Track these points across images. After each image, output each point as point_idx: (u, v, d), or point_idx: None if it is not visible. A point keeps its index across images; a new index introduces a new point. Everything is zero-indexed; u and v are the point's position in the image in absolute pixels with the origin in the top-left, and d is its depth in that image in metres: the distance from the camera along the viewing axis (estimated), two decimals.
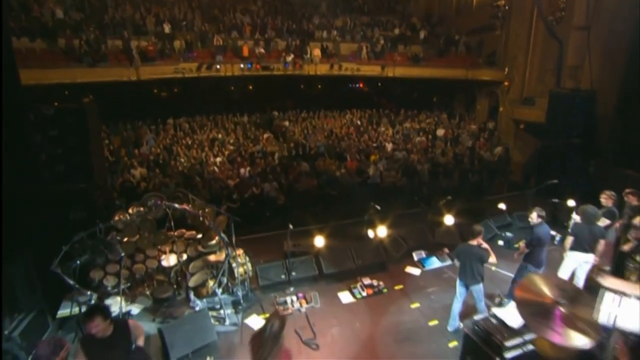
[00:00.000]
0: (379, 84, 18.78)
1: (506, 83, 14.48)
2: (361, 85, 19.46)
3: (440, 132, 14.26)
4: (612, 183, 8.40)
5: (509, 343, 3.21)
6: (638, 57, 8.70)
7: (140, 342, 3.52)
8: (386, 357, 4.80)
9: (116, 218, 5.48)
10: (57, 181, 6.21)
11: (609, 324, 2.06)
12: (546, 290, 2.30)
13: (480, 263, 4.74)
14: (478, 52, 15.78)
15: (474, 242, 4.79)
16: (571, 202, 7.04)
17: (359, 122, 15.62)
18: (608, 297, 1.94)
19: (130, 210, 5.62)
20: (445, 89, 17.59)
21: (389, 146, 12.43)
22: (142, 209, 5.61)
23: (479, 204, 8.86)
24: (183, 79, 13.40)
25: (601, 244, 5.09)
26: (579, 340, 2.04)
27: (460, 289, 4.97)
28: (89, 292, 5.42)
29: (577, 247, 5.21)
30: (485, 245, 4.83)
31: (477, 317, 3.55)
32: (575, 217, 5.59)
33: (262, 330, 2.97)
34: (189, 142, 12.71)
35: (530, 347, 3.21)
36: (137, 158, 11.00)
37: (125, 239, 5.59)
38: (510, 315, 3.12)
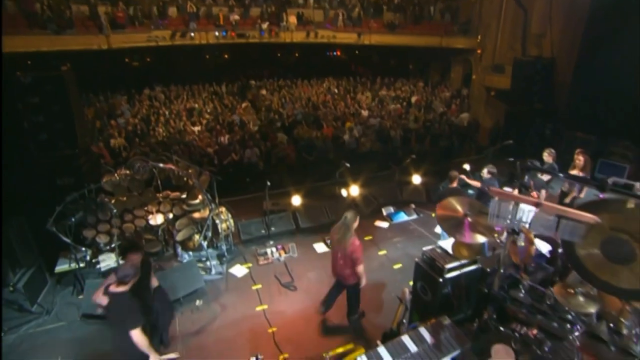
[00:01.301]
0: (356, 52, 19.14)
1: (479, 51, 15.11)
2: (338, 53, 19.75)
3: (414, 99, 14.94)
4: (564, 144, 9.44)
5: (448, 265, 4.03)
6: (594, 26, 9.45)
7: (155, 282, 4.39)
8: None
9: (104, 180, 5.98)
10: (42, 149, 6.49)
11: (499, 225, 2.86)
12: (458, 207, 3.11)
13: None
14: (453, 19, 16.25)
15: (453, 185, 5.71)
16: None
17: (336, 90, 16.08)
18: (494, 204, 2.70)
19: (117, 173, 6.13)
20: (421, 57, 18.14)
21: (365, 113, 13.06)
22: (128, 171, 6.13)
23: (446, 166, 9.72)
24: (157, 47, 13.33)
25: (542, 193, 6.00)
26: (480, 239, 2.91)
27: None
28: (83, 249, 6.00)
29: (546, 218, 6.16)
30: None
31: (425, 248, 4.35)
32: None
33: (341, 221, 4.42)
34: (166, 113, 12.93)
35: (465, 269, 4.07)
36: (114, 129, 11.22)
37: (114, 200, 6.12)
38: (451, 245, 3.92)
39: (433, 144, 11.34)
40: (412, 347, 3.04)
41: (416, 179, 7.89)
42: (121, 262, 6.27)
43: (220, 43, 14.26)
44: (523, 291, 3.03)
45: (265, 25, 14.04)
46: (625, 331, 2.87)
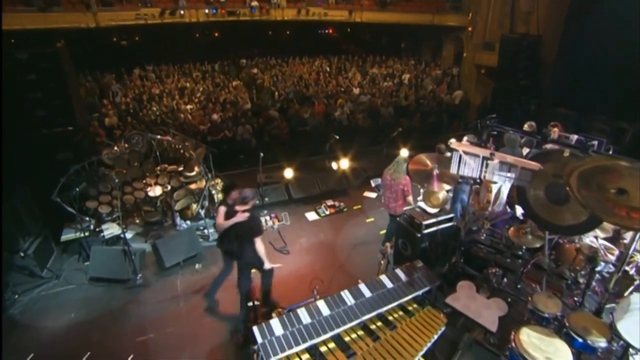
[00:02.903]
0: (348, 30, 19.32)
1: (470, 28, 15.42)
2: (330, 31, 19.92)
3: (406, 77, 15.34)
4: (547, 119, 9.97)
5: (425, 222, 4.58)
6: (579, 4, 9.88)
7: None
8: (343, 256, 6.23)
9: (105, 152, 6.40)
10: (41, 125, 6.79)
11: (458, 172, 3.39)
12: (428, 161, 3.64)
13: None
14: None
15: None
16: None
17: (327, 69, 16.38)
18: (456, 156, 3.21)
19: (116, 147, 6.55)
20: (413, 35, 18.41)
21: (356, 91, 13.46)
22: (126, 145, 6.55)
23: (434, 140, 10.24)
24: (146, 26, 13.44)
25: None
26: (446, 186, 3.46)
27: None
28: (87, 218, 6.46)
29: (502, 167, 6.69)
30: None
31: (406, 208, 4.90)
32: None
33: (392, 164, 5.14)
34: (158, 92, 13.20)
35: (441, 226, 4.63)
36: (107, 108, 11.50)
37: (115, 171, 6.55)
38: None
39: (422, 121, 11.83)
40: (389, 284, 3.60)
41: (404, 152, 8.40)
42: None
43: (210, 21, 14.37)
44: (484, 235, 3.59)
45: (255, 2, 14.19)
46: (581, 279, 3.44)
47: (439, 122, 12.15)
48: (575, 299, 3.29)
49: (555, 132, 6.88)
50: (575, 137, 3.71)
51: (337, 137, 7.79)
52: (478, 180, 3.27)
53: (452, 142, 3.34)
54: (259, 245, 4.41)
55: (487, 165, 3.20)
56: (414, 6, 16.44)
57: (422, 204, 4.92)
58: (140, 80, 14.36)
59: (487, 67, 14.48)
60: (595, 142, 3.37)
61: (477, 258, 3.62)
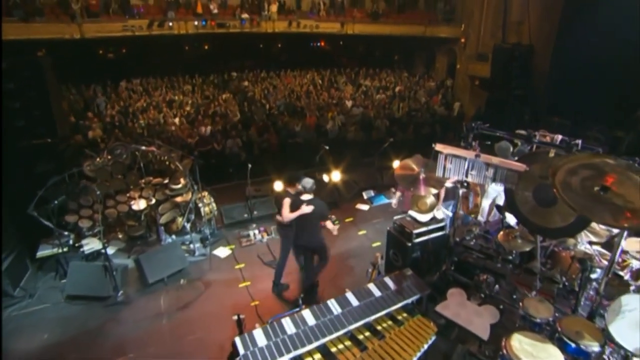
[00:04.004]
0: (341, 43, 19.76)
1: (462, 40, 15.87)
2: (322, 43, 20.34)
3: (398, 89, 15.67)
4: (542, 128, 10.17)
5: (416, 231, 4.62)
6: (570, 14, 10.24)
7: None
8: (334, 270, 6.20)
9: (86, 164, 6.41)
10: (20, 136, 6.72)
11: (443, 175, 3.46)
12: (414, 166, 3.72)
13: None
14: (436, 8, 16.98)
15: None
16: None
17: (320, 82, 16.66)
18: (441, 158, 3.29)
19: (99, 159, 6.57)
20: (406, 47, 18.87)
21: (349, 103, 13.68)
22: (109, 157, 6.58)
23: (427, 151, 10.40)
24: (133, 37, 13.66)
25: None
26: (433, 190, 3.53)
27: None
28: (66, 233, 6.41)
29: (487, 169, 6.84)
30: None
31: (396, 217, 4.94)
32: None
33: None
34: (144, 105, 13.30)
35: (433, 235, 4.67)
36: (92, 122, 11.55)
37: (97, 184, 6.55)
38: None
39: (415, 132, 12.02)
40: (377, 293, 3.62)
41: (396, 164, 8.51)
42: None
43: (200, 33, 14.68)
44: (474, 240, 3.64)
45: (245, 15, 14.53)
46: (576, 287, 3.46)
47: (432, 134, 12.33)
48: (571, 308, 3.31)
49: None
50: (559, 137, 3.82)
51: (327, 147, 7.88)
52: (465, 184, 3.34)
53: (437, 145, 3.42)
54: (330, 226, 5.09)
55: (472, 168, 3.27)
56: (406, 18, 16.94)
57: (412, 212, 4.97)
58: (127, 92, 14.48)
59: (480, 77, 14.85)
60: (579, 141, 3.45)
61: (467, 264, 3.65)
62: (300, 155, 9.92)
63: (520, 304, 3.20)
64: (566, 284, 3.67)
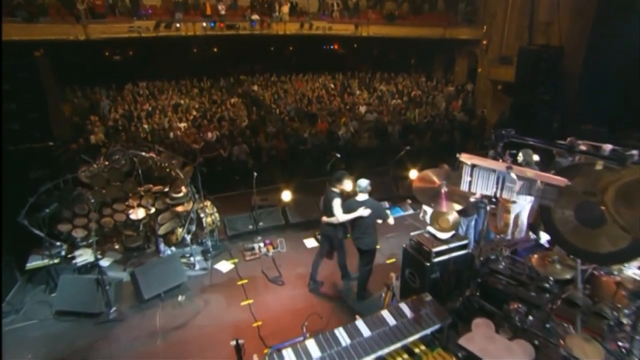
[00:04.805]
0: (355, 45, 19.55)
1: (484, 42, 15.48)
2: (336, 46, 20.17)
3: (414, 93, 15.34)
4: (570, 136, 9.72)
5: (435, 249, 4.28)
6: (605, 14, 9.81)
7: None
8: (345, 289, 5.88)
9: (82, 170, 6.24)
10: (14, 140, 6.56)
11: (469, 190, 3.13)
12: (435, 178, 3.39)
13: None
14: (457, 9, 16.67)
15: None
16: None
17: (332, 86, 16.45)
18: (466, 170, 2.96)
19: (96, 163, 6.40)
20: (424, 50, 18.55)
21: (363, 109, 13.40)
22: (106, 162, 6.40)
23: (448, 161, 10.02)
24: (139, 39, 13.67)
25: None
26: (456, 206, 3.20)
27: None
28: (58, 243, 6.23)
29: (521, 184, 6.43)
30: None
31: (413, 234, 4.61)
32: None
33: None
34: (149, 109, 13.26)
35: (454, 254, 4.31)
36: (95, 125, 11.53)
37: (93, 191, 6.36)
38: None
39: (434, 140, 11.65)
40: (391, 321, 3.28)
41: (413, 174, 8.16)
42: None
43: (208, 35, 14.64)
44: (503, 264, 3.28)
45: (255, 16, 14.44)
46: (624, 320, 3.07)
47: (451, 141, 11.94)
48: (620, 343, 2.91)
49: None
50: (609, 147, 3.45)
51: (339, 155, 7.59)
52: (493, 200, 3.01)
53: (461, 155, 3.10)
54: (391, 220, 5.08)
55: (503, 181, 2.94)
56: (424, 19, 16.64)
57: (430, 228, 4.63)
58: (132, 96, 14.49)
59: (504, 82, 14.42)
60: (635, 152, 3.06)
61: (495, 291, 3.30)
62: (310, 163, 9.66)
63: (561, 341, 2.82)
64: (614, 314, 3.27)
